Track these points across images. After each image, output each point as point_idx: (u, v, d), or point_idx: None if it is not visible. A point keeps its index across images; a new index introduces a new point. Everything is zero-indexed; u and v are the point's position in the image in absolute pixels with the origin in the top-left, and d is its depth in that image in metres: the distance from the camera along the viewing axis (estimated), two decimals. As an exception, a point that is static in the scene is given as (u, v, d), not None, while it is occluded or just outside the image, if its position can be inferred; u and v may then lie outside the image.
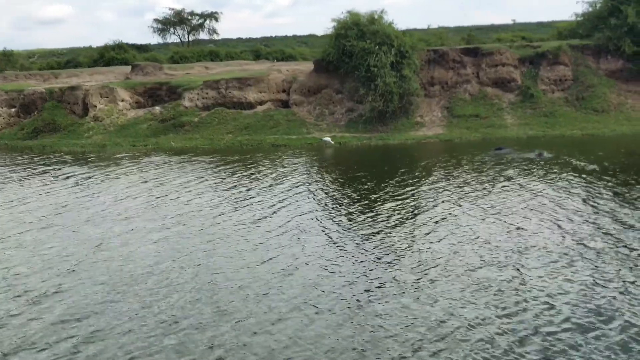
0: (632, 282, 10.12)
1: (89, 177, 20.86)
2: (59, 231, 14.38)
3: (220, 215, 15.23)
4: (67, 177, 20.97)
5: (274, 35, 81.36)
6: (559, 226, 13.30)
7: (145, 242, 13.29)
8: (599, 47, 30.78)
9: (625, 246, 11.85)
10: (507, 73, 30.69)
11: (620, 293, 9.71)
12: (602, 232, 12.77)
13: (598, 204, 14.94)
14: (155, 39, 76.73)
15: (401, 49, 28.82)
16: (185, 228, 14.27)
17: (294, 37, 79.02)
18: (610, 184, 16.89)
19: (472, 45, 33.06)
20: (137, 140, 28.71)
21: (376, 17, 30.28)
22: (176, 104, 31.63)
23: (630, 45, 29.33)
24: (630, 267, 10.77)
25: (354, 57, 29.12)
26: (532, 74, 30.81)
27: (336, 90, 30.74)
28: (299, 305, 9.71)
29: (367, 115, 28.62)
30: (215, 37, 64.86)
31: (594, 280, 10.27)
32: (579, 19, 34.08)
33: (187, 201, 16.87)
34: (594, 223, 13.42)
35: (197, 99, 31.57)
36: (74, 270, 11.64)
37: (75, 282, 11.03)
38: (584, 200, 15.30)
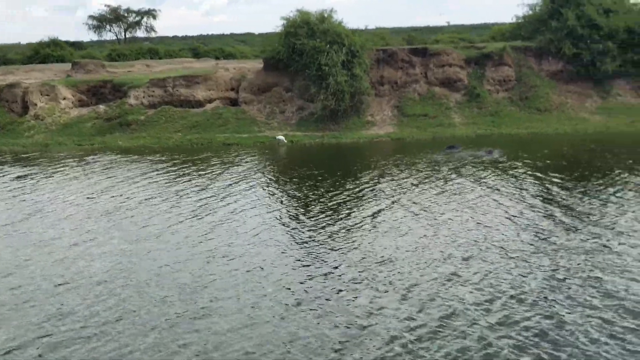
0: (584, 268, 10.49)
1: (32, 177, 19.94)
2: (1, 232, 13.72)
3: (175, 216, 14.87)
4: (8, 177, 19.98)
5: (211, 34, 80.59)
6: (512, 220, 13.71)
7: (97, 243, 12.84)
8: (541, 49, 31.82)
9: (575, 237, 12.28)
10: (454, 73, 31.31)
11: (579, 283, 10.04)
12: (553, 224, 13.23)
13: (547, 198, 15.47)
14: (89, 36, 74.65)
15: (352, 48, 28.93)
16: (137, 228, 13.90)
17: (232, 35, 78.52)
18: (555, 180, 17.48)
19: (420, 46, 33.57)
20: (82, 140, 27.65)
21: (326, 15, 30.30)
22: (121, 102, 30.69)
23: (570, 48, 30.47)
24: (585, 258, 11.15)
25: (304, 55, 29.01)
26: (478, 75, 31.53)
27: (286, 89, 30.58)
28: (268, 304, 9.59)
29: (318, 114, 28.59)
30: (152, 34, 63.64)
31: (552, 271, 10.61)
32: (519, 21, 35.18)
33: (140, 202, 16.37)
34: (544, 216, 13.87)
35: (143, 97, 30.73)
36: (23, 270, 11.12)
37: (27, 282, 10.56)
38: (532, 196, 15.81)
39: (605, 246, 11.72)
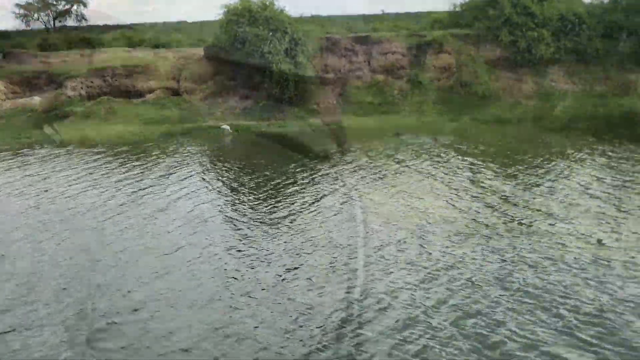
0: (520, 249, 10.93)
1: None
2: None
3: (118, 207, 14.57)
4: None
5: (144, 22, 78.49)
6: (452, 205, 14.08)
7: (42, 238, 12.45)
8: (479, 36, 32.58)
9: (512, 219, 12.76)
10: (396, 61, 31.67)
11: (514, 260, 10.44)
12: (491, 208, 13.69)
13: (486, 182, 15.98)
14: (14, 25, 71.53)
15: (294, 36, 28.87)
16: (82, 221, 13.52)
17: (165, 24, 76.91)
18: (492, 165, 18.10)
19: (363, 34, 33.76)
20: (17, 133, 26.59)
21: (267, 3, 30.08)
22: (57, 93, 29.69)
23: (507, 35, 31.35)
24: (519, 237, 11.62)
25: (246, 43, 28.74)
26: (420, 62, 32.00)
27: (229, 78, 30.25)
28: (217, 292, 9.55)
29: (263, 103, 28.45)
30: (83, 23, 61.61)
31: (489, 253, 11.00)
32: (457, 9, 35.95)
33: (79, 195, 15.93)
34: (483, 200, 14.33)
35: (81, 88, 29.83)
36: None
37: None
38: (471, 181, 16.28)
39: (539, 228, 12.22)
